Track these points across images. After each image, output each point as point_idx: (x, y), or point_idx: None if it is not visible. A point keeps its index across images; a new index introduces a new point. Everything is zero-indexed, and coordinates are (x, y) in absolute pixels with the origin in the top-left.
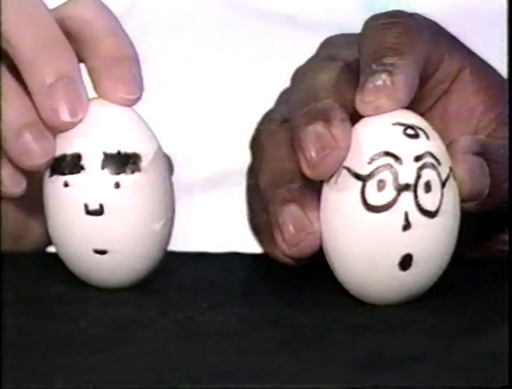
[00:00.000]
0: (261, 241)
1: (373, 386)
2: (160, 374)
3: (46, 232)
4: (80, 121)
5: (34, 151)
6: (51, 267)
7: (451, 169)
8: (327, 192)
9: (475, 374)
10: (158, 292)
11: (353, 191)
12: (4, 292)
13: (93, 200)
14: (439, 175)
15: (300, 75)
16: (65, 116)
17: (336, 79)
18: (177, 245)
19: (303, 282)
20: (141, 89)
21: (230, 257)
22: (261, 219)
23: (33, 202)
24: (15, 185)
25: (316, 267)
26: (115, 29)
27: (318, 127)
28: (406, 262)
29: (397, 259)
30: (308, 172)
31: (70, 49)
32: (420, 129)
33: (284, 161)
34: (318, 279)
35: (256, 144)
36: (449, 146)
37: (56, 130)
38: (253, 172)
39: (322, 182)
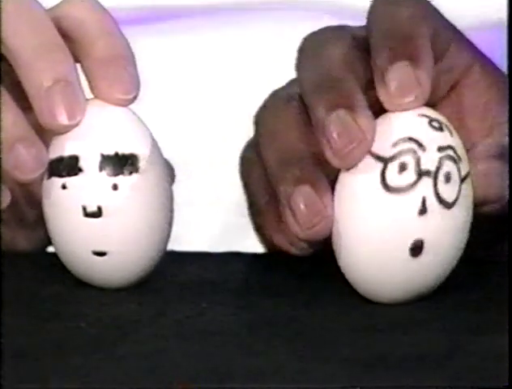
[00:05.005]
0: (260, 225)
1: (373, 386)
2: (159, 374)
3: (36, 239)
4: (78, 124)
5: (27, 163)
6: (51, 267)
7: (472, 175)
8: (343, 172)
9: (475, 373)
10: (158, 292)
11: (373, 172)
12: (4, 292)
13: (91, 202)
14: (459, 170)
15: (309, 48)
16: (63, 119)
17: (350, 56)
18: (177, 245)
19: (303, 282)
20: (137, 88)
21: (230, 257)
22: (262, 199)
23: (19, 216)
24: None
25: (316, 266)
26: (110, 28)
27: (343, 115)
28: (417, 248)
29: (409, 244)
30: (335, 162)
31: (68, 51)
32: (445, 124)
33: (294, 140)
34: (318, 279)
35: (262, 122)
36: (468, 151)
37: (54, 133)
38: (252, 147)
39: None
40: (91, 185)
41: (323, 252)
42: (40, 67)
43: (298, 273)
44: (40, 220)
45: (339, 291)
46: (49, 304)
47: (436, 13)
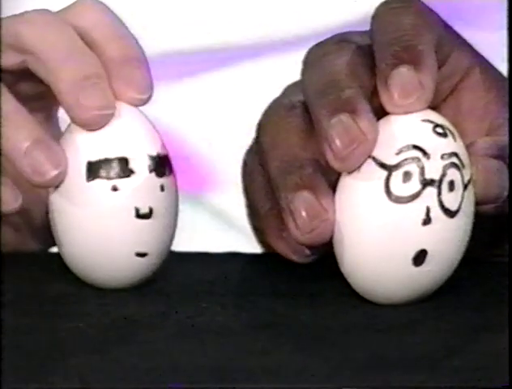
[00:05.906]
0: (261, 231)
1: (373, 386)
2: (159, 374)
3: (44, 240)
4: (109, 118)
5: (45, 167)
6: (51, 267)
7: (472, 174)
8: (347, 179)
9: (475, 373)
10: (158, 292)
11: (377, 180)
12: (4, 292)
13: (144, 204)
14: (462, 177)
15: (313, 58)
16: (94, 111)
17: (353, 63)
18: (178, 245)
19: (303, 282)
20: (151, 89)
21: (230, 257)
22: (264, 206)
23: (29, 219)
24: (13, 201)
25: (316, 267)
26: (122, 32)
27: (345, 119)
28: (420, 257)
29: (412, 253)
30: (335, 164)
31: (94, 54)
32: (449, 129)
33: (295, 147)
34: (318, 279)
35: (264, 129)
36: (468, 147)
37: (85, 127)
38: (253, 154)
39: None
40: (143, 187)
41: (324, 254)
42: (72, 66)
43: (298, 273)
44: (46, 222)
45: (339, 291)
46: (50, 304)
47: (439, 20)
